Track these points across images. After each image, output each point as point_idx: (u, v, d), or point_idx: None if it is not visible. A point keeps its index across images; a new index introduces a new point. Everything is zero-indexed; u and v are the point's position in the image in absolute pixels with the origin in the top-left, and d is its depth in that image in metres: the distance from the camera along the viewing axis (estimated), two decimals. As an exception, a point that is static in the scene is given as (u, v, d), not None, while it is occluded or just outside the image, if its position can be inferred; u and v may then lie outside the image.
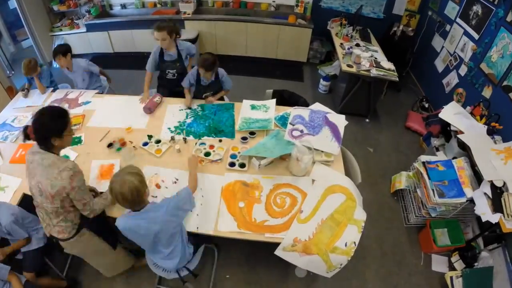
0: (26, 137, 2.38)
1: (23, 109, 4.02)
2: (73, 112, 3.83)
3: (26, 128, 2.39)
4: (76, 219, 2.49)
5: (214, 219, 2.69)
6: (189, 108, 3.88)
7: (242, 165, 3.12)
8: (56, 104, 3.90)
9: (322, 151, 3.20)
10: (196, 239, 2.78)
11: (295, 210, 2.74)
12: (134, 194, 2.13)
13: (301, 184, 2.95)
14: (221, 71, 3.96)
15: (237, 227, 2.62)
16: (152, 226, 2.27)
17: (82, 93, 4.23)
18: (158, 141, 3.40)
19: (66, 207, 2.36)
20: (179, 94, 4.14)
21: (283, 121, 3.61)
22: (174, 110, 3.87)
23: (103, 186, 2.94)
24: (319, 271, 2.61)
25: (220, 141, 3.40)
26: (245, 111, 3.81)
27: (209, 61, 3.61)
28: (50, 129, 2.24)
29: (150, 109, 3.76)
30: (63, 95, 4.21)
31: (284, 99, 4.17)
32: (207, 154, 3.23)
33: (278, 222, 2.66)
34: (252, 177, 3.02)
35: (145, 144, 3.37)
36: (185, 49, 4.16)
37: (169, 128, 3.60)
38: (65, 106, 3.93)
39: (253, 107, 3.85)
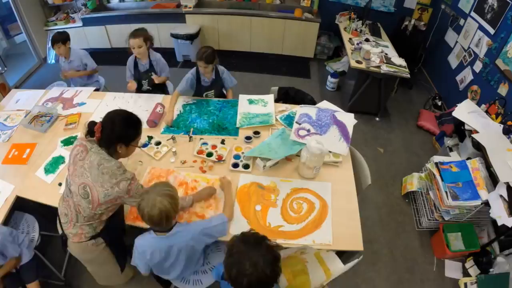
0: (90, 133, 2.31)
1: (16, 106, 4.04)
2: (67, 113, 3.87)
3: (93, 124, 2.29)
4: (99, 228, 2.43)
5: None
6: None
7: (246, 166, 3.13)
8: (50, 103, 3.96)
9: (330, 152, 3.21)
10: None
11: (312, 216, 2.72)
12: (163, 218, 2.06)
13: (320, 190, 2.93)
14: (221, 68, 3.98)
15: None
16: (174, 248, 2.25)
17: (78, 92, 4.22)
18: (158, 143, 3.39)
19: (103, 213, 2.33)
20: None
21: (289, 120, 3.62)
22: (177, 106, 3.90)
23: None
24: None
25: (223, 141, 3.39)
26: (243, 106, 3.85)
27: (208, 52, 3.62)
28: (122, 135, 2.23)
29: (154, 122, 3.62)
30: (59, 93, 4.23)
31: (290, 96, 4.21)
32: (209, 154, 3.24)
33: (293, 228, 2.64)
34: (270, 179, 3.01)
35: (145, 145, 3.37)
36: (157, 61, 4.10)
37: (167, 126, 3.63)
38: (59, 106, 3.96)
39: (251, 102, 3.90)
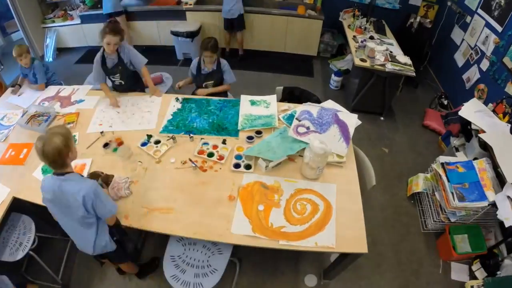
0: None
1: (13, 106, 4.06)
2: (65, 111, 3.88)
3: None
4: None
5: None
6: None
7: (248, 167, 3.13)
8: (47, 103, 3.98)
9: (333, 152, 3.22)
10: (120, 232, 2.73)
11: (315, 218, 2.72)
12: (55, 155, 2.19)
13: (325, 192, 2.93)
14: (223, 61, 4.09)
15: (251, 231, 2.62)
16: (76, 194, 2.28)
17: (75, 90, 4.24)
18: (157, 142, 3.40)
19: None
20: None
21: (291, 120, 3.58)
22: (175, 103, 3.95)
23: None
24: None
25: (224, 141, 3.40)
26: (245, 107, 3.84)
27: (212, 42, 3.81)
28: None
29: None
30: (55, 92, 4.25)
31: (295, 97, 4.19)
32: (210, 154, 3.25)
33: (296, 230, 2.65)
34: (273, 179, 3.02)
35: (144, 144, 3.38)
36: (126, 51, 3.98)
37: (167, 126, 3.64)
38: (57, 104, 3.97)
39: (252, 103, 3.89)
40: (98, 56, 3.92)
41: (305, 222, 2.70)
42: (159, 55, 6.86)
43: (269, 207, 2.80)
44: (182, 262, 2.90)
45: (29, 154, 3.34)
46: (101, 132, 3.52)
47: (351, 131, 3.37)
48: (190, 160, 3.12)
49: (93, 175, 2.78)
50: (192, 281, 2.76)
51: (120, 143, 3.39)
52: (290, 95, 4.17)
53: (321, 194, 2.92)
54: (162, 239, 3.06)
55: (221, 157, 3.20)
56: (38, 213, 3.16)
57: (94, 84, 4.32)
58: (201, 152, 3.27)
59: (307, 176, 3.04)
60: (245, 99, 3.94)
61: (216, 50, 3.88)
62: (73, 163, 3.10)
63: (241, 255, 3.63)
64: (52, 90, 4.31)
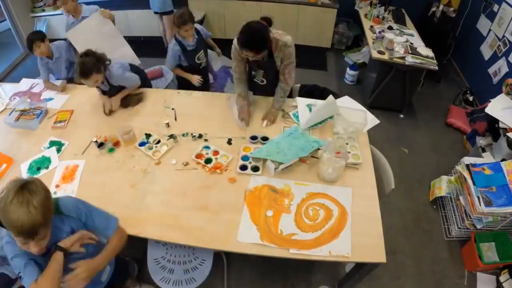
0: None
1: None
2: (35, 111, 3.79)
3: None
4: None
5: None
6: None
7: (256, 169, 3.11)
8: (18, 98, 3.97)
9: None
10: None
11: (329, 225, 2.71)
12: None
13: (340, 196, 2.92)
14: (196, 25, 4.19)
15: (259, 239, 2.61)
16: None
17: (34, 85, 4.25)
18: (157, 142, 3.39)
19: None
20: None
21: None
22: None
23: (61, 193, 2.95)
24: None
25: (230, 141, 3.38)
26: (304, 112, 3.71)
27: (189, 12, 3.94)
28: None
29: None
30: (28, 87, 4.24)
31: (314, 96, 4.15)
32: (208, 160, 3.21)
33: (308, 237, 2.63)
34: (283, 182, 3.01)
35: (142, 144, 3.37)
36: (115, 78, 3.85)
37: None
38: (27, 101, 3.90)
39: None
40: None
41: (317, 229, 2.69)
42: (158, 47, 6.82)
43: (278, 213, 2.78)
44: (167, 262, 2.98)
45: (8, 170, 3.19)
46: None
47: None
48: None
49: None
50: (183, 278, 2.85)
51: (116, 143, 3.38)
52: (309, 95, 4.09)
53: (335, 198, 2.90)
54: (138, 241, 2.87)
55: (218, 166, 3.14)
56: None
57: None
58: (199, 156, 3.24)
59: (325, 179, 3.02)
60: (302, 102, 3.81)
61: (193, 21, 3.96)
62: (64, 165, 3.17)
63: (248, 264, 3.66)
64: (25, 84, 4.30)
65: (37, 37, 4.04)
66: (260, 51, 3.04)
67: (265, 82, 3.72)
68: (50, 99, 4.04)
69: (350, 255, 2.54)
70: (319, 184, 3.02)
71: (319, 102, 3.73)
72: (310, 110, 3.70)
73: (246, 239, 2.61)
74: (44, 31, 7.15)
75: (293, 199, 2.89)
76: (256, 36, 3.00)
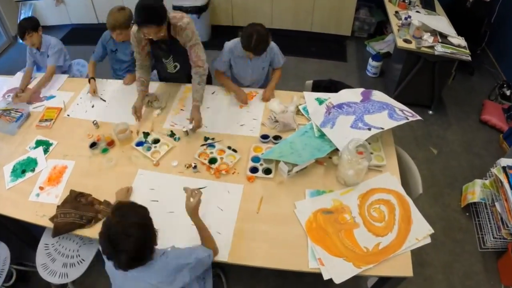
0: None
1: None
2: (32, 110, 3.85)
3: None
4: None
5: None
6: None
7: (268, 171, 3.10)
8: (11, 94, 3.96)
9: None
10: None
11: (398, 215, 2.76)
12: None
13: (385, 184, 2.99)
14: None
15: (355, 268, 2.51)
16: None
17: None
18: (156, 141, 3.40)
19: None
20: None
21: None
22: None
23: (44, 196, 3.00)
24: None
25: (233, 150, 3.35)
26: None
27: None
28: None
29: None
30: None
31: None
32: (213, 160, 3.21)
33: (391, 238, 2.64)
34: (330, 198, 2.94)
35: (140, 144, 3.38)
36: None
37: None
38: (9, 100, 3.92)
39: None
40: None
41: (392, 225, 2.73)
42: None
43: (349, 232, 2.73)
44: (54, 250, 3.18)
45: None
46: (94, 122, 3.55)
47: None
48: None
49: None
50: (59, 271, 3.04)
51: (111, 143, 3.38)
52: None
53: (383, 188, 2.96)
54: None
55: (221, 169, 3.14)
56: (14, 235, 3.22)
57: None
58: (202, 154, 3.26)
59: (349, 183, 3.01)
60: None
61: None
62: (52, 165, 3.20)
63: (258, 279, 3.66)
64: (20, 78, 4.23)
65: (31, 25, 4.05)
66: (158, 25, 3.18)
67: (178, 66, 3.85)
68: (51, 97, 4.02)
69: (432, 230, 2.67)
70: (362, 183, 3.02)
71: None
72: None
73: (344, 276, 2.49)
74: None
75: (351, 210, 2.86)
76: (149, 10, 3.20)
